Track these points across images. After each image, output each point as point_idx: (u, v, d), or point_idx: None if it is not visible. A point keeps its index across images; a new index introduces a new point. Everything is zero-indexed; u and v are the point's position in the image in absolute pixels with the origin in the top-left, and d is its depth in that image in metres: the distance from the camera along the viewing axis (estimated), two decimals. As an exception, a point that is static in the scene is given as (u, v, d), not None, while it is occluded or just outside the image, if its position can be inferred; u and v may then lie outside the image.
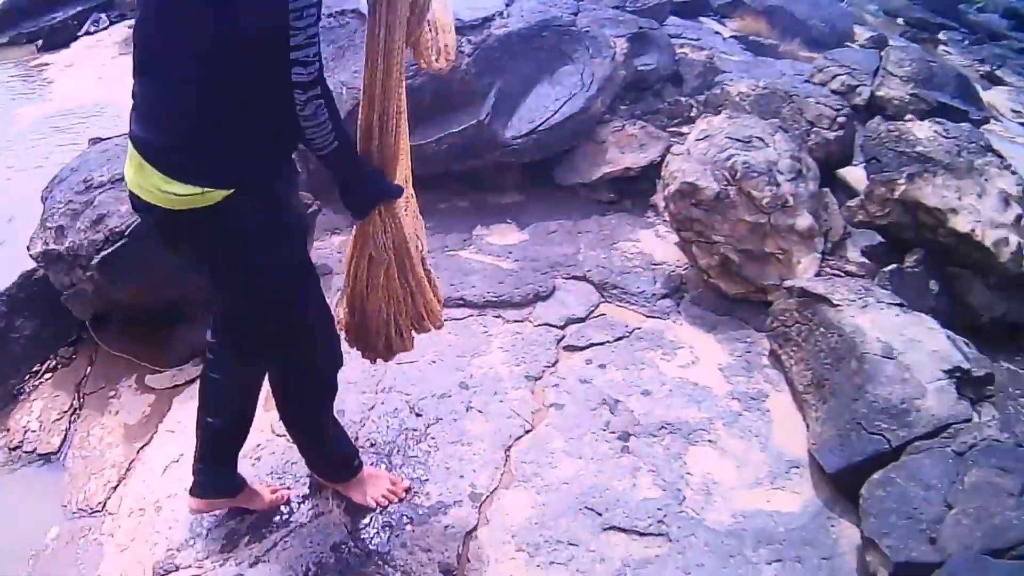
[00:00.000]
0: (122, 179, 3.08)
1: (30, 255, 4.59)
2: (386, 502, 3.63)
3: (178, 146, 2.55)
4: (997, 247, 5.19)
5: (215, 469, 3.44)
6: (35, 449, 4.14)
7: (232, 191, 2.57)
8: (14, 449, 4.15)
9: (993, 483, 3.42)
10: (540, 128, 6.08)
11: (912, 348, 4.23)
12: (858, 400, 4.03)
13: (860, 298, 4.59)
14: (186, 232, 2.70)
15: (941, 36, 17.14)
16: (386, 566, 3.38)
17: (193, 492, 3.40)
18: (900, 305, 4.63)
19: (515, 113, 6.14)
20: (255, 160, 2.66)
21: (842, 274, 5.47)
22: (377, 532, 3.53)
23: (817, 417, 4.26)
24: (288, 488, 3.71)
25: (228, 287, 2.98)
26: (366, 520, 3.58)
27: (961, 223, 5.20)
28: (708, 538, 3.69)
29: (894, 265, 5.35)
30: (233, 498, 3.53)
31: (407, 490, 3.73)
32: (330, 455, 3.61)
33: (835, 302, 4.54)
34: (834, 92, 8.28)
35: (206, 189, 2.53)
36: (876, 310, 4.52)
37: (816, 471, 4.09)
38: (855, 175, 7.10)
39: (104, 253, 4.25)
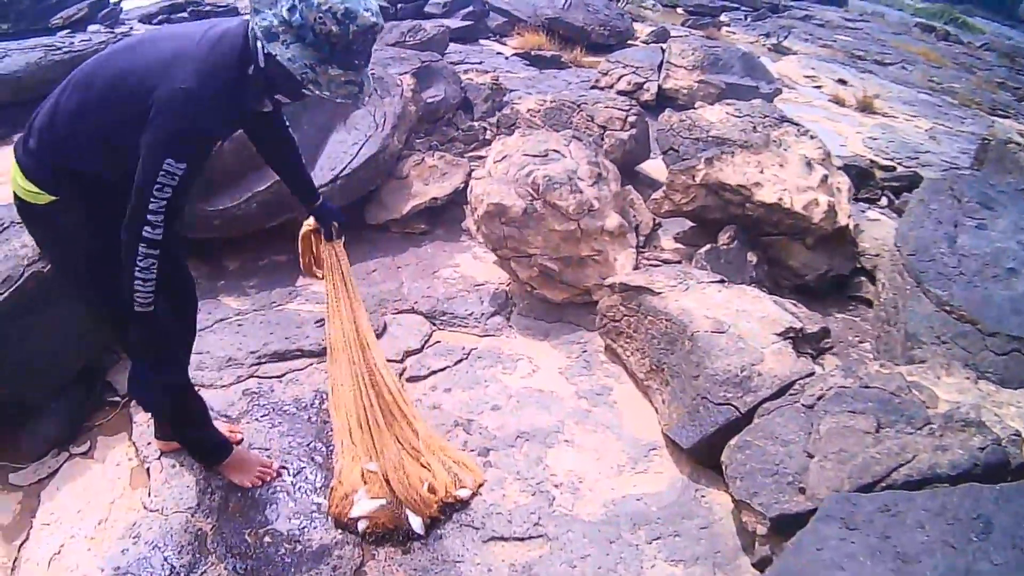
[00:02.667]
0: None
1: None
2: (260, 482, 3.92)
3: (40, 158, 3.01)
4: (808, 209, 5.48)
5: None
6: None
7: (56, 199, 3.02)
8: None
9: (848, 426, 3.60)
10: (343, 174, 6.12)
11: (741, 319, 4.45)
12: (699, 376, 4.20)
13: (680, 282, 4.78)
14: (30, 219, 3.18)
15: (723, 18, 17.85)
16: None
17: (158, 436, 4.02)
18: (720, 281, 4.84)
19: (316, 162, 6.18)
20: (85, 193, 3.05)
21: (660, 263, 5.68)
22: None
23: (663, 400, 4.43)
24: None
25: (53, 265, 3.74)
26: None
27: (767, 194, 5.48)
28: (585, 530, 3.82)
29: (708, 245, 5.58)
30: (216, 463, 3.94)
31: (279, 472, 4.01)
32: (200, 440, 3.87)
33: (656, 290, 4.71)
34: (621, 93, 8.59)
35: (40, 192, 3.01)
36: (698, 290, 4.72)
37: (674, 449, 4.28)
38: (655, 168, 7.39)
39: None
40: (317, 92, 2.86)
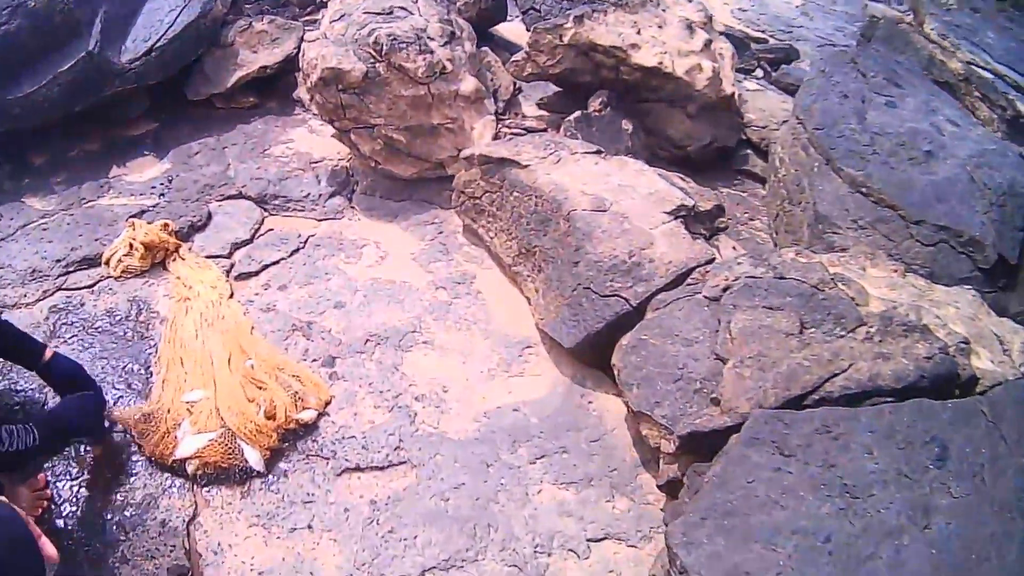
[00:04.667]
0: None
1: None
2: (39, 509, 3.12)
3: None
4: (690, 75, 5.10)
5: None
6: None
7: None
8: None
9: (765, 324, 3.13)
10: (158, 44, 5.47)
11: (624, 195, 3.95)
12: (579, 263, 3.71)
13: (551, 153, 4.29)
14: None
15: None
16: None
17: None
18: (597, 152, 4.35)
19: (128, 35, 5.50)
20: None
21: (523, 132, 5.20)
22: (87, 554, 3.01)
23: (537, 289, 3.96)
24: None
25: None
26: (71, 543, 3.05)
27: (646, 57, 5.06)
28: (456, 452, 3.38)
29: (578, 112, 5.14)
30: None
31: (46, 484, 3.20)
32: None
33: (524, 163, 4.21)
34: None
35: None
36: (572, 162, 4.23)
37: (553, 346, 3.82)
38: (513, 31, 6.99)
39: None
40: None
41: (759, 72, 7.49)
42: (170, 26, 5.58)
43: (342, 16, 5.20)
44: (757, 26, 8.98)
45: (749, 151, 5.71)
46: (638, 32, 5.17)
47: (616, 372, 3.34)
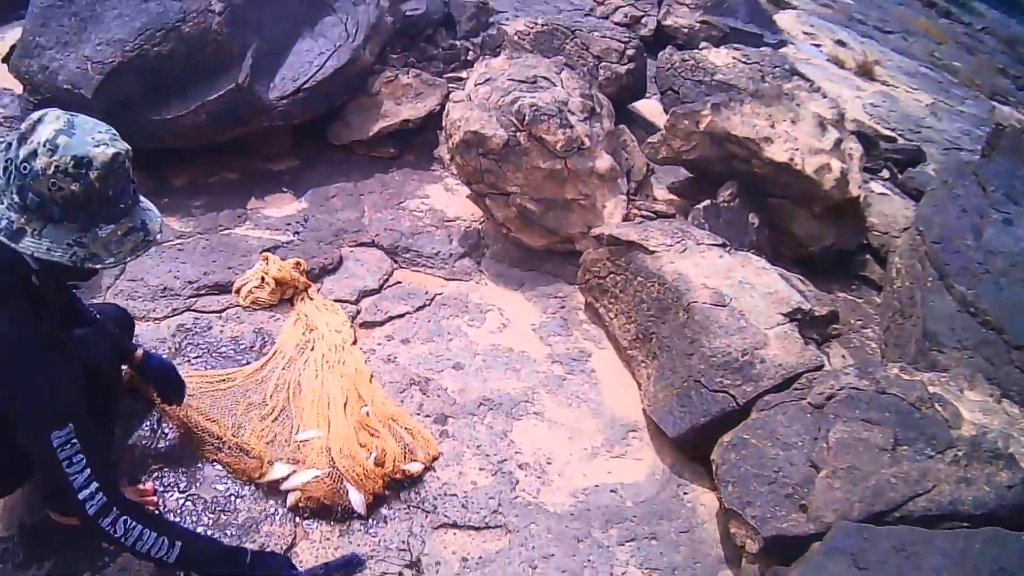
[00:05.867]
0: None
1: None
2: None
3: None
4: (819, 174, 5.09)
5: None
6: None
7: None
8: None
9: (861, 438, 3.18)
10: (306, 86, 5.64)
11: (744, 292, 4.01)
12: (693, 355, 3.76)
13: (678, 241, 4.34)
14: None
15: (727, -41, 17.36)
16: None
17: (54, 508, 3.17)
18: (723, 245, 4.40)
19: (277, 72, 5.67)
20: None
21: (652, 215, 5.24)
22: None
23: (649, 375, 4.01)
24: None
25: None
26: None
27: (777, 152, 5.08)
28: (550, 524, 3.41)
29: (707, 201, 5.19)
30: None
31: (153, 492, 3.31)
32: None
33: (651, 248, 4.27)
34: (619, 24, 8.19)
35: None
36: (697, 253, 4.28)
37: (656, 434, 3.86)
38: (650, 109, 7.05)
39: None
40: (100, 266, 2.45)
41: (885, 172, 7.49)
42: (319, 69, 5.74)
43: (487, 80, 5.31)
44: (887, 123, 8.97)
45: (869, 256, 5.73)
46: (772, 126, 5.21)
47: (714, 467, 3.39)
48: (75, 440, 2.46)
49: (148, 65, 5.10)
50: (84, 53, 5.13)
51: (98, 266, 2.41)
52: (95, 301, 3.65)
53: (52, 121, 2.26)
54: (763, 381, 3.59)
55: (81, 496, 2.47)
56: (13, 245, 2.28)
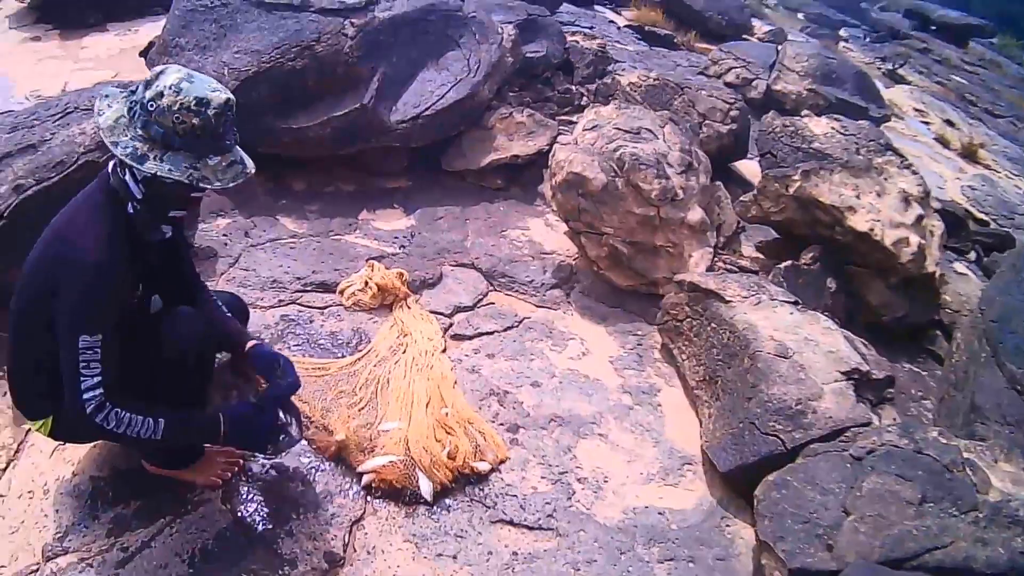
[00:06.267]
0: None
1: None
2: (219, 482, 3.52)
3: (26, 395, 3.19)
4: (897, 247, 5.23)
5: None
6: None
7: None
8: None
9: (892, 491, 3.40)
10: (425, 113, 6.01)
11: (807, 347, 4.22)
12: (752, 399, 4.00)
13: (753, 295, 4.58)
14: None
15: (842, 33, 17.54)
16: (270, 554, 3.29)
17: (148, 459, 3.52)
18: (794, 303, 4.62)
19: (400, 98, 6.06)
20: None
21: (735, 269, 5.49)
22: (263, 520, 3.42)
23: (710, 414, 4.24)
24: (240, 461, 3.63)
25: None
26: (252, 508, 3.47)
27: (859, 222, 5.24)
28: (598, 534, 3.65)
29: (789, 262, 5.38)
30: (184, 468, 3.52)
31: (242, 459, 3.63)
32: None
33: (727, 298, 4.52)
34: (728, 85, 8.43)
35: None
36: (769, 307, 4.51)
37: (710, 469, 4.08)
38: (749, 169, 7.20)
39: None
40: (209, 187, 2.89)
41: (972, 254, 7.51)
42: (440, 99, 6.10)
43: (595, 126, 5.61)
44: (982, 207, 8.96)
45: (939, 332, 5.79)
46: (857, 196, 5.38)
47: (756, 502, 3.58)
48: (99, 349, 2.80)
49: (281, 77, 5.53)
50: (222, 59, 5.59)
51: (207, 187, 2.86)
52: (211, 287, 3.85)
53: (175, 72, 2.80)
54: (812, 430, 3.80)
55: (85, 396, 2.80)
56: (138, 167, 2.76)
